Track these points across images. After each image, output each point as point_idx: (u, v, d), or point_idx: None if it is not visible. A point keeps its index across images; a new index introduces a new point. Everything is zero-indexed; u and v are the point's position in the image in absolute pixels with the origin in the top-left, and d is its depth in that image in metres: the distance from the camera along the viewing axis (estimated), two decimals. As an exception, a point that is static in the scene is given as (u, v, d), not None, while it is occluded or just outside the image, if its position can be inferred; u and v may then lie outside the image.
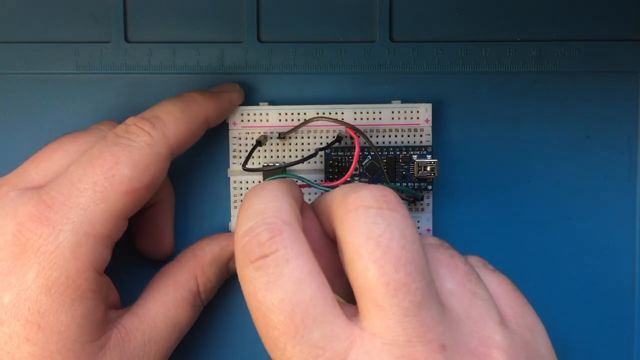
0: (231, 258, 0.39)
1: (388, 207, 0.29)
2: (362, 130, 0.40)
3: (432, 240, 0.33)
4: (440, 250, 0.32)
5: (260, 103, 0.40)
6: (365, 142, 0.39)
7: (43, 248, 0.32)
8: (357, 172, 0.39)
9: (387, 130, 0.40)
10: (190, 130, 0.36)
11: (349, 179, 0.39)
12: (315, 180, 0.40)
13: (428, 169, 0.39)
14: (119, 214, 0.34)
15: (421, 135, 0.40)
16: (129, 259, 0.40)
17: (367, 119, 0.40)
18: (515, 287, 0.32)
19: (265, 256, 0.28)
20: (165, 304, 0.36)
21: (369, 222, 0.28)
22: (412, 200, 0.40)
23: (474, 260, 0.33)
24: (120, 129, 0.35)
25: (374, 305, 0.28)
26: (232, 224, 0.40)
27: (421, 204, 0.40)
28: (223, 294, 0.41)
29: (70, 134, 0.37)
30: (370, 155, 0.39)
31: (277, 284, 0.28)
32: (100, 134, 0.36)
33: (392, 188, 0.39)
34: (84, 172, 0.33)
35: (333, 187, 0.37)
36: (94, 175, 0.33)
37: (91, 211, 0.33)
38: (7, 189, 0.34)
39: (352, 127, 0.39)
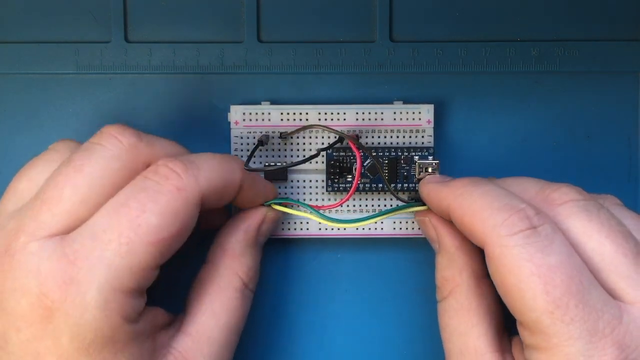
0: (258, 234, 0.38)
1: (590, 198, 0.32)
2: (364, 131, 0.40)
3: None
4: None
5: (262, 102, 0.40)
6: (363, 146, 0.39)
7: (71, 311, 0.30)
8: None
9: (389, 130, 0.40)
10: (224, 183, 0.35)
11: (353, 187, 0.39)
12: (317, 189, 0.40)
13: (429, 170, 0.39)
14: (146, 265, 0.31)
15: (423, 136, 0.40)
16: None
17: (369, 119, 0.40)
18: None
19: (534, 227, 0.30)
20: (215, 313, 0.35)
21: (583, 209, 0.31)
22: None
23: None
24: (150, 170, 0.33)
25: (621, 277, 0.30)
26: (233, 224, 0.40)
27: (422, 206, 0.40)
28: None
29: (72, 158, 0.33)
30: (371, 159, 0.39)
31: (552, 248, 0.30)
32: (107, 154, 0.33)
33: (404, 209, 0.39)
34: (109, 221, 0.31)
35: (334, 219, 0.38)
36: (119, 226, 0.31)
37: (117, 265, 0.31)
38: (25, 239, 0.31)
39: (353, 140, 0.38)
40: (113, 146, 0.33)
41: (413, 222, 0.40)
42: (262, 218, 0.38)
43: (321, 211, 0.39)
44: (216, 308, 0.36)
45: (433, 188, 0.36)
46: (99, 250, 0.31)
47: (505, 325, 0.35)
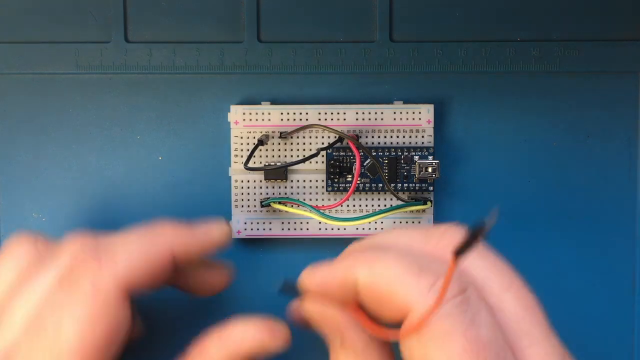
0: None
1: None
2: (364, 130, 0.40)
3: None
4: None
5: (262, 102, 0.40)
6: (362, 146, 0.39)
7: None
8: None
9: (389, 130, 0.40)
10: (150, 263, 0.32)
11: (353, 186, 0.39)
12: (317, 189, 0.40)
13: (429, 169, 0.39)
14: None
15: (423, 136, 0.40)
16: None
17: (369, 119, 0.40)
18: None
19: (462, 292, 0.27)
20: None
21: (476, 257, 0.29)
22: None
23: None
24: (65, 274, 0.30)
25: (524, 334, 0.27)
26: (233, 223, 0.40)
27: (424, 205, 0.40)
28: (226, 294, 0.41)
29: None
30: (371, 159, 0.39)
31: (481, 319, 0.26)
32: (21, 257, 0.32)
33: (403, 208, 0.39)
34: (31, 346, 0.29)
35: (335, 218, 0.38)
36: (43, 349, 0.29)
37: None
38: None
39: (353, 140, 0.39)
40: (22, 252, 0.32)
41: (413, 222, 0.40)
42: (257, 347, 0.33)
43: (321, 211, 0.39)
44: None
45: (327, 271, 0.30)
46: None
47: None
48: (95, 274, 0.30)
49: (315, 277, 0.31)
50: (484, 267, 0.28)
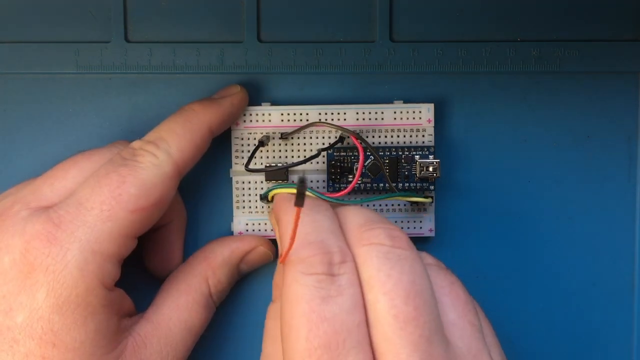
0: (242, 260, 0.40)
1: (400, 246, 0.31)
2: (364, 130, 0.40)
3: (430, 260, 0.34)
4: (440, 275, 0.33)
5: (262, 103, 0.40)
6: (364, 140, 0.39)
7: (51, 267, 0.32)
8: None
9: (389, 130, 0.40)
10: (194, 144, 0.37)
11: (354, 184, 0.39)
12: (317, 189, 0.40)
13: (430, 169, 0.39)
14: (126, 232, 0.34)
15: (423, 136, 0.40)
16: (140, 265, 0.41)
17: (370, 119, 0.40)
18: (468, 295, 0.33)
19: (331, 275, 0.30)
20: (179, 307, 0.37)
21: (381, 256, 0.30)
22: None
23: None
24: (126, 152, 0.36)
25: (384, 338, 0.29)
26: (234, 224, 0.40)
27: (423, 204, 0.40)
28: (233, 296, 0.41)
29: (85, 151, 0.37)
30: (372, 156, 0.39)
31: (336, 301, 0.29)
32: (114, 151, 0.36)
33: (404, 197, 0.39)
34: (92, 191, 0.34)
35: (339, 199, 0.37)
36: (101, 195, 0.34)
37: (98, 229, 0.33)
38: (19, 207, 0.34)
39: (356, 135, 0.39)
40: (121, 144, 0.38)
41: (414, 222, 0.40)
42: (253, 247, 0.40)
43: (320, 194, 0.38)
44: (181, 304, 0.37)
45: (281, 198, 0.36)
46: (82, 216, 0.33)
47: None
48: (155, 155, 0.35)
49: (276, 196, 0.37)
50: (379, 267, 0.30)
